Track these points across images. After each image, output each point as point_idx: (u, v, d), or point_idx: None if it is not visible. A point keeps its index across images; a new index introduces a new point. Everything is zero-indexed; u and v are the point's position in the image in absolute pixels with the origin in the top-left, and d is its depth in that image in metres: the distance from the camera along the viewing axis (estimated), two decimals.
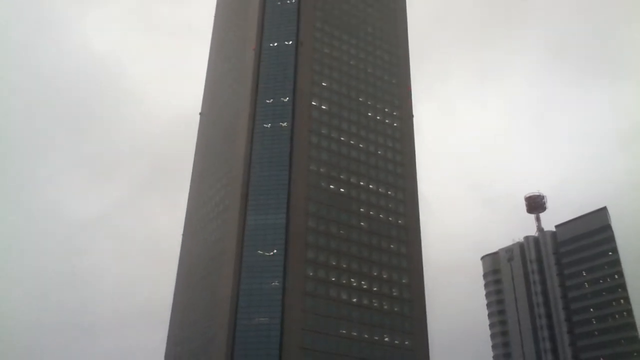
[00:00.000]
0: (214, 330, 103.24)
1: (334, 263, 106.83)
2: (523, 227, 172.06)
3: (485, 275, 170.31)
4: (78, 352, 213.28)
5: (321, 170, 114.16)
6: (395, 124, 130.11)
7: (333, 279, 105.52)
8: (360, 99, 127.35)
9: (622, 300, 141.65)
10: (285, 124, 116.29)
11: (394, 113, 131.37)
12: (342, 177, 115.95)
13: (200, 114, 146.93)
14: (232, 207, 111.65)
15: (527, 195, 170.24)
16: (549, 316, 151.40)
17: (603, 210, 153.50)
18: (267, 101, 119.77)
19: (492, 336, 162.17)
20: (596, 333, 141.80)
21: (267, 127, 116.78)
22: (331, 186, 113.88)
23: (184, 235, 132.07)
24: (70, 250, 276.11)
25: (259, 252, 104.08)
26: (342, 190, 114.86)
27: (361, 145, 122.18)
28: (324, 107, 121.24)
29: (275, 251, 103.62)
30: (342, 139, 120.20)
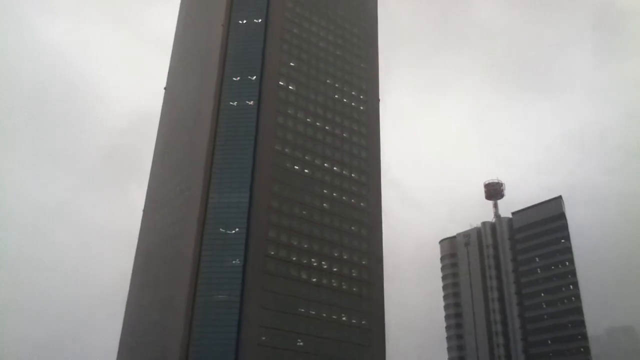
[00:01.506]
0: (172, 307, 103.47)
1: (295, 243, 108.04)
2: (482, 213, 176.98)
3: (442, 259, 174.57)
4: (34, 336, 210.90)
5: (286, 150, 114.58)
6: (361, 108, 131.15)
7: (294, 259, 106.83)
8: (328, 81, 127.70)
9: (571, 286, 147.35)
10: (251, 102, 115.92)
11: (361, 96, 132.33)
12: (307, 158, 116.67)
13: (164, 88, 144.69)
14: (195, 185, 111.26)
15: (486, 182, 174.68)
16: (501, 300, 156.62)
17: (558, 200, 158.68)
18: (234, 79, 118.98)
19: (447, 317, 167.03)
20: (545, 317, 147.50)
21: (233, 105, 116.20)
22: (296, 167, 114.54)
23: (144, 212, 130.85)
24: (29, 236, 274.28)
25: (221, 230, 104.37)
26: (306, 171, 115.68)
27: (327, 128, 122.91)
28: (291, 88, 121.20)
29: (237, 230, 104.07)
30: (308, 120, 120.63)
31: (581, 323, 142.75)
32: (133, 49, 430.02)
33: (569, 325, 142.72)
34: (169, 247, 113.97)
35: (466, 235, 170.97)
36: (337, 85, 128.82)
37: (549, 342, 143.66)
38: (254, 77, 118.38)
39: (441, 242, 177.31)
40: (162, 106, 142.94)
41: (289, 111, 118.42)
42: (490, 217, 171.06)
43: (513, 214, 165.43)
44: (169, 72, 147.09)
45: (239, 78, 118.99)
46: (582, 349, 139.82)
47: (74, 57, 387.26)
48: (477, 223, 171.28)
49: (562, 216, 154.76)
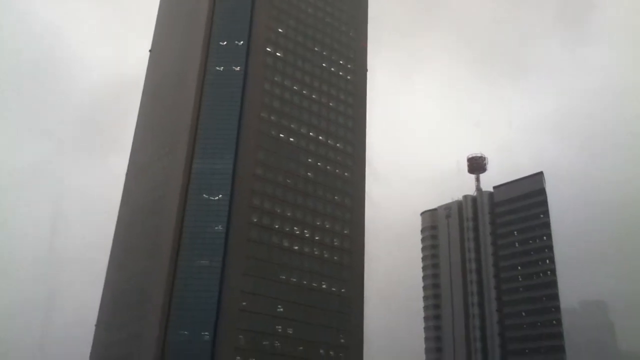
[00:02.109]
0: (154, 271, 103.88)
1: (278, 211, 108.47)
2: (465, 187, 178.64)
3: (423, 230, 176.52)
4: (6, 300, 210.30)
5: (272, 118, 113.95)
6: (349, 77, 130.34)
7: (277, 227, 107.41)
8: (316, 49, 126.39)
9: (547, 260, 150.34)
10: (238, 68, 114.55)
11: (349, 66, 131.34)
12: (292, 126, 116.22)
13: (149, 50, 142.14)
14: (179, 150, 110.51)
15: (470, 156, 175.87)
16: (479, 272, 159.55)
17: (539, 175, 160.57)
18: (221, 43, 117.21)
19: (425, 288, 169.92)
20: (521, 289, 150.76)
21: (219, 70, 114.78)
22: (281, 135, 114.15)
23: (127, 175, 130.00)
24: (3, 199, 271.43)
25: (204, 196, 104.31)
26: (292, 139, 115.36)
27: (314, 96, 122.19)
28: (278, 54, 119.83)
29: (220, 196, 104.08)
30: (295, 88, 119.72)
31: (555, 296, 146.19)
32: (117, 12, 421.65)
33: (544, 298, 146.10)
34: (151, 211, 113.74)
35: (447, 207, 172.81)
36: (325, 53, 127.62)
37: (524, 313, 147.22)
38: (241, 42, 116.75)
39: (422, 214, 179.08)
40: (147, 68, 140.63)
41: (275, 78, 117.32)
42: (472, 191, 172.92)
43: (494, 188, 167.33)
44: (154, 34, 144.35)
45: (225, 43, 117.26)
46: (554, 321, 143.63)
47: (56, 23, 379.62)
48: (459, 196, 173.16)
49: (542, 192, 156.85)
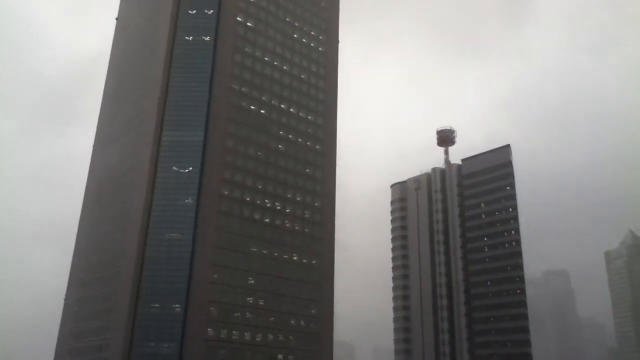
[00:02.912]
0: (124, 245, 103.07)
1: (250, 184, 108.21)
2: (435, 160, 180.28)
3: (392, 202, 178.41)
4: None
5: (243, 89, 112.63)
6: (320, 49, 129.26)
7: (248, 199, 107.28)
8: (288, 19, 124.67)
9: (512, 231, 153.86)
10: (208, 38, 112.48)
11: (321, 37, 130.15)
12: (263, 98, 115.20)
13: (116, 18, 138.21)
14: (148, 121, 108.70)
15: (439, 129, 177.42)
16: (446, 242, 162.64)
17: (506, 148, 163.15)
18: (190, 12, 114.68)
19: (394, 259, 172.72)
20: (487, 259, 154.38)
21: (188, 40, 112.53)
22: (252, 107, 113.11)
23: (94, 147, 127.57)
24: None
25: (174, 168, 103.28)
26: (262, 111, 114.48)
27: (285, 68, 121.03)
28: (249, 24, 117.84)
29: (191, 168, 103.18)
30: (267, 59, 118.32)
31: (520, 266, 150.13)
32: None
33: (508, 268, 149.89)
34: (120, 183, 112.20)
35: (417, 180, 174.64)
36: (296, 24, 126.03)
37: (489, 283, 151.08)
38: (211, 11, 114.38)
39: (392, 186, 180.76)
40: (114, 37, 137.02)
41: (246, 49, 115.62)
42: (441, 164, 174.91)
43: (463, 160, 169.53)
44: (120, 1, 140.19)
45: (195, 11, 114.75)
46: (518, 290, 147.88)
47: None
48: (428, 169, 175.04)
49: (509, 164, 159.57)
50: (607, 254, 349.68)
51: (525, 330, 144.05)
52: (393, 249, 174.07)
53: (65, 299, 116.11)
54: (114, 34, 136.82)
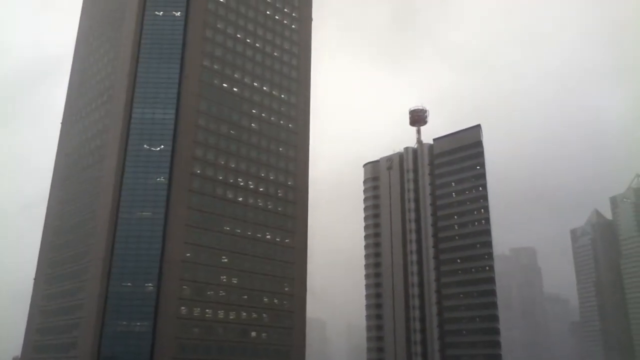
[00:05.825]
0: (95, 223, 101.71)
1: (222, 162, 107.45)
2: (407, 139, 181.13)
3: (365, 182, 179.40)
4: None
5: (215, 67, 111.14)
6: (293, 26, 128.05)
7: (220, 178, 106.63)
8: None
9: (482, 210, 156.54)
10: (178, 13, 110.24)
11: (293, 14, 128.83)
12: (235, 76, 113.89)
13: None
14: (117, 98, 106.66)
15: (412, 109, 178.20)
16: (417, 221, 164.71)
17: (477, 128, 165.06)
18: None
19: (366, 237, 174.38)
20: (457, 237, 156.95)
21: (158, 15, 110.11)
22: (224, 85, 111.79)
23: (62, 124, 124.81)
24: None
25: (145, 146, 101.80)
26: (235, 89, 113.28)
27: (257, 45, 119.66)
28: (221, 0, 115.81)
29: (162, 147, 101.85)
30: (239, 36, 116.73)
31: (488, 244, 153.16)
32: None
33: (478, 245, 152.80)
34: (89, 161, 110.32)
35: (389, 159, 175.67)
36: (269, 0, 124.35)
37: (459, 260, 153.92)
38: None
39: (365, 165, 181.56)
40: (82, 10, 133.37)
41: (218, 25, 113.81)
42: (414, 143, 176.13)
43: (434, 140, 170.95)
44: None
45: None
46: (487, 267, 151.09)
47: None
48: (400, 148, 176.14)
49: (479, 144, 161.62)
50: (573, 232, 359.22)
51: (494, 305, 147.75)
52: (365, 228, 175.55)
53: (35, 278, 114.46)
54: (82, 5, 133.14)
